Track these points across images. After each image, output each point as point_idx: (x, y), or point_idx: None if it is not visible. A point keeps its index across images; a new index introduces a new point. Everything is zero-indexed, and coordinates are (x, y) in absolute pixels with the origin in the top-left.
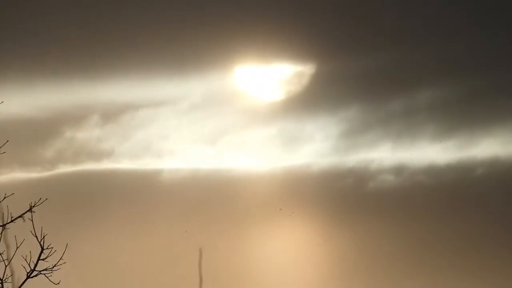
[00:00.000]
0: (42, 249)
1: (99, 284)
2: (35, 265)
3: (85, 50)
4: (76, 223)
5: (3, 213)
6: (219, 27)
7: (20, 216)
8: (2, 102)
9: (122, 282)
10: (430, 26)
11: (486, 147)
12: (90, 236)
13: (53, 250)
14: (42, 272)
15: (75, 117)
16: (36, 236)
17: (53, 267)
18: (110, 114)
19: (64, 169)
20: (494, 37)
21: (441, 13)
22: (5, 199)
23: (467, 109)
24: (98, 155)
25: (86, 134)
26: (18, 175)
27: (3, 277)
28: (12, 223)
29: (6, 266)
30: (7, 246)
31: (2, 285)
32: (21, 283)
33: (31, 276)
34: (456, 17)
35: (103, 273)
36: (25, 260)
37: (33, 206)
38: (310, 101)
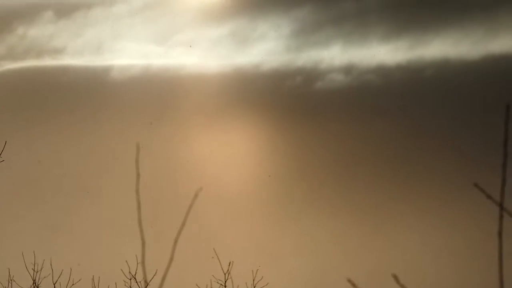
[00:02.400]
0: None
1: (39, 184)
2: None
3: None
4: (22, 121)
5: None
6: None
7: None
8: None
9: (60, 183)
10: None
11: (436, 47)
12: (32, 134)
13: None
14: None
15: (27, 14)
16: None
17: None
18: (63, 11)
19: (14, 65)
20: None
21: None
22: None
23: (418, 9)
24: (49, 52)
25: (38, 31)
26: None
27: None
28: None
29: None
30: None
31: None
32: None
33: None
34: None
35: (42, 173)
36: None
37: None
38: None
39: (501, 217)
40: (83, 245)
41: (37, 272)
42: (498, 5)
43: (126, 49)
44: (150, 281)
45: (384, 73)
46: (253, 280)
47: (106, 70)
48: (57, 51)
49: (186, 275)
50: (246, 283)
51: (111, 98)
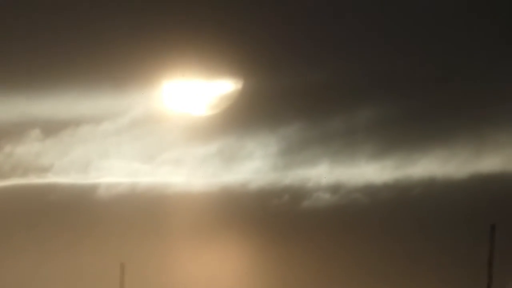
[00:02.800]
0: None
1: None
2: None
3: (25, 64)
4: (5, 238)
5: None
6: (157, 43)
7: None
8: None
9: None
10: (368, 43)
11: (423, 167)
12: (16, 252)
13: None
14: None
15: (14, 132)
16: None
17: None
18: (51, 129)
19: (1, 183)
20: (433, 57)
21: (379, 30)
22: None
23: (405, 128)
24: (36, 170)
25: (25, 149)
26: None
27: None
28: None
29: None
30: None
31: None
32: None
33: None
34: (395, 35)
35: None
36: None
37: None
38: (250, 118)
39: None
40: None
41: None
42: (484, 125)
43: (113, 167)
44: None
45: (371, 191)
46: None
47: (92, 188)
48: (44, 169)
49: None
50: None
51: (97, 216)
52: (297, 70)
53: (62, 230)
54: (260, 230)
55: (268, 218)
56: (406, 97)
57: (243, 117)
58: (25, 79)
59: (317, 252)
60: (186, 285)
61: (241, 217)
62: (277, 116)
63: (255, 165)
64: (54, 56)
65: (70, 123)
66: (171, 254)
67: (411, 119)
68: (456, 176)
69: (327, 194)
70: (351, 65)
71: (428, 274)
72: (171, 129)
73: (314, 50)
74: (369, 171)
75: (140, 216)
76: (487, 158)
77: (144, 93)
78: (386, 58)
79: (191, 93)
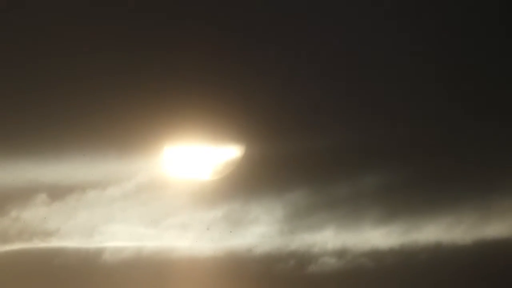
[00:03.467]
0: None
1: None
2: None
3: (33, 131)
4: None
5: None
6: (161, 110)
7: None
8: None
9: None
10: (372, 110)
11: (430, 232)
12: None
13: None
14: None
15: (21, 196)
16: None
17: None
18: (57, 194)
19: (6, 247)
20: (437, 124)
21: (382, 97)
22: None
23: (411, 194)
24: (42, 234)
25: (31, 213)
26: None
27: None
28: None
29: None
30: None
31: None
32: None
33: None
34: (398, 100)
35: None
36: None
37: None
38: (255, 183)
39: None
40: None
41: None
42: (490, 192)
43: (118, 231)
44: None
45: (377, 257)
46: None
47: (98, 253)
48: (50, 233)
49: None
50: None
51: (102, 281)
52: (301, 136)
53: None
54: None
55: (274, 283)
56: (411, 163)
57: (249, 182)
58: (32, 145)
59: None
60: None
61: (247, 282)
62: (283, 181)
63: (261, 230)
64: (61, 123)
65: (76, 188)
66: None
67: (416, 185)
68: (462, 242)
69: (333, 259)
70: (355, 132)
71: None
72: (177, 194)
73: (318, 117)
74: (375, 236)
75: (146, 281)
76: (492, 224)
77: (149, 159)
78: (390, 125)
79: (196, 158)
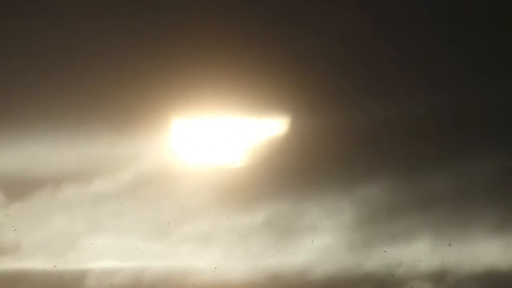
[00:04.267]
0: None
1: None
2: None
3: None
4: None
5: None
6: (171, 71)
7: None
8: None
9: None
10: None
11: None
12: None
13: None
14: None
15: None
16: None
17: None
18: (18, 191)
19: None
20: None
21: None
22: None
23: None
24: None
25: None
26: None
27: None
28: None
29: None
30: None
31: None
32: None
33: None
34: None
35: None
36: None
37: None
38: (310, 172)
39: None
40: None
41: None
42: None
43: (108, 245)
44: None
45: (494, 280)
46: None
47: (78, 277)
48: (7, 250)
49: None
50: None
51: None
52: (375, 103)
53: None
54: None
55: None
56: None
57: (299, 171)
58: None
59: None
60: None
61: None
62: (351, 170)
63: (320, 242)
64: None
65: (47, 181)
66: None
67: None
68: None
69: (427, 284)
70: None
71: None
72: (194, 189)
73: (392, 81)
74: (490, 250)
75: None
76: None
77: (154, 139)
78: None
79: (221, 138)
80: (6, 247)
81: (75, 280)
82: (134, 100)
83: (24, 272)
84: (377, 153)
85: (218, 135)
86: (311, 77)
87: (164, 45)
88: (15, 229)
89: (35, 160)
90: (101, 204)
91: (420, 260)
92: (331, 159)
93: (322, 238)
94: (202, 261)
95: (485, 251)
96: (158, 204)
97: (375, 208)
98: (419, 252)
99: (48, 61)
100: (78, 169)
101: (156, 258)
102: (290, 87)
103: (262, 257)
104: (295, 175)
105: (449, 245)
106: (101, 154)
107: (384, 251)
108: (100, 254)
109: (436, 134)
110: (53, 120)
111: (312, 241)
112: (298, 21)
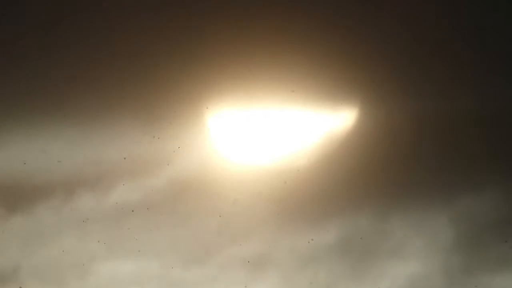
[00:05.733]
0: None
1: None
2: None
3: None
4: None
5: None
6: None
7: None
8: None
9: None
10: None
11: None
12: None
13: None
14: None
15: None
16: None
17: None
18: (10, 199)
19: None
20: None
21: None
22: None
23: None
24: None
25: None
26: None
27: None
28: None
29: None
30: None
31: None
32: None
33: None
34: None
35: None
36: None
37: None
38: (398, 177)
39: None
40: None
41: None
42: None
43: (127, 271)
44: None
45: None
46: None
47: None
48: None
49: None
50: None
51: None
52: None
53: None
54: None
55: None
56: None
57: (380, 175)
58: None
59: None
60: None
61: None
62: (450, 172)
63: (410, 268)
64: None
65: (57, 189)
66: None
67: None
68: None
69: None
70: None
71: None
72: (242, 198)
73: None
74: None
75: None
76: None
77: (190, 136)
78: None
79: (271, 135)
80: (1, 272)
81: None
82: (167, 91)
83: None
84: (483, 152)
85: (271, 131)
86: (380, 61)
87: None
88: (14, 249)
89: (43, 163)
90: (123, 218)
91: None
92: (421, 160)
93: (412, 263)
94: None
95: None
96: (196, 218)
97: (482, 225)
98: None
99: (67, 46)
100: (95, 174)
101: (194, 286)
102: (357, 72)
103: None
104: (376, 180)
105: None
106: (124, 155)
107: (492, 280)
108: (120, 281)
109: None
110: (66, 114)
111: (397, 267)
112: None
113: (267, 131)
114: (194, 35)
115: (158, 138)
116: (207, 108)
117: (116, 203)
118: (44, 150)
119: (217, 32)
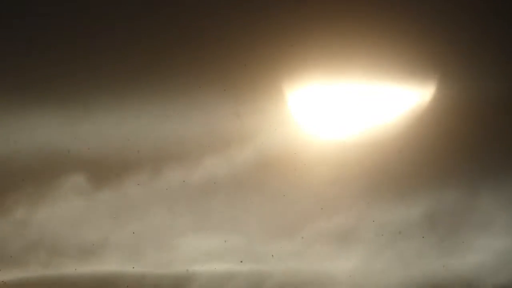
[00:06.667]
0: None
1: None
2: None
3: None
4: None
5: None
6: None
7: None
8: None
9: None
10: None
11: None
12: None
13: None
14: None
15: None
16: None
17: None
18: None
19: None
20: None
21: None
22: None
23: None
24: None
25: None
26: None
27: None
28: None
29: None
30: None
31: None
32: None
33: None
34: None
35: None
36: None
37: None
38: (485, 151)
39: None
40: None
41: None
42: None
43: (213, 245)
44: None
45: None
46: None
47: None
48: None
49: None
50: None
51: None
52: None
53: None
54: None
55: None
56: None
57: (467, 148)
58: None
59: None
60: None
61: None
62: None
63: (498, 243)
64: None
65: (143, 164)
66: None
67: None
68: None
69: None
70: None
71: None
72: (328, 173)
73: None
74: None
75: None
76: None
77: (274, 109)
78: None
79: (351, 108)
80: (89, 245)
81: (176, 287)
82: (249, 67)
83: (113, 276)
84: None
85: (352, 104)
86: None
87: None
88: (100, 225)
89: (129, 137)
90: (210, 194)
91: None
92: (506, 136)
93: (500, 238)
94: (339, 266)
95: None
96: (283, 193)
97: None
98: None
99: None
100: (181, 150)
101: (280, 261)
102: (436, 46)
103: (419, 263)
104: (463, 154)
105: None
106: (211, 129)
107: None
108: (209, 255)
109: None
110: (153, 90)
111: (486, 243)
112: None
113: (347, 106)
114: (273, 12)
115: (243, 114)
116: (287, 83)
117: (202, 178)
118: (131, 125)
119: (299, 8)
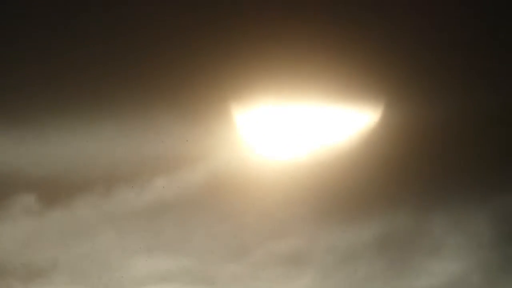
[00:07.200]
0: None
1: None
2: None
3: None
4: None
5: None
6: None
7: None
8: None
9: None
10: None
11: None
12: None
13: None
14: None
15: None
16: None
17: None
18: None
19: None
20: None
21: None
22: None
23: None
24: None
25: None
26: None
27: None
28: None
29: None
30: None
31: None
32: None
33: None
34: None
35: None
36: None
37: None
38: (436, 173)
39: None
40: None
41: None
42: None
43: (152, 272)
44: None
45: None
46: None
47: None
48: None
49: None
50: None
51: None
52: None
53: None
54: None
55: None
56: None
57: (418, 171)
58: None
59: None
60: None
61: None
62: (488, 169)
63: (449, 265)
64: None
65: (94, 184)
66: None
67: None
68: None
69: None
70: None
71: None
72: (279, 194)
73: None
74: None
75: None
76: None
77: (224, 131)
78: None
79: (302, 130)
80: (38, 268)
81: None
82: (198, 88)
83: None
84: None
85: (302, 126)
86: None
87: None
88: (49, 246)
89: (80, 158)
90: (160, 215)
91: None
92: (457, 158)
93: (451, 260)
94: None
95: None
96: (233, 214)
97: None
98: None
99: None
100: (132, 171)
101: (230, 284)
102: (383, 68)
103: (370, 286)
104: (413, 177)
105: None
106: (162, 151)
107: None
108: (158, 277)
109: None
110: (104, 109)
111: (437, 265)
112: None
113: (297, 128)
114: (223, 34)
115: (191, 136)
116: (236, 105)
117: (153, 199)
118: (82, 146)
119: (247, 31)
